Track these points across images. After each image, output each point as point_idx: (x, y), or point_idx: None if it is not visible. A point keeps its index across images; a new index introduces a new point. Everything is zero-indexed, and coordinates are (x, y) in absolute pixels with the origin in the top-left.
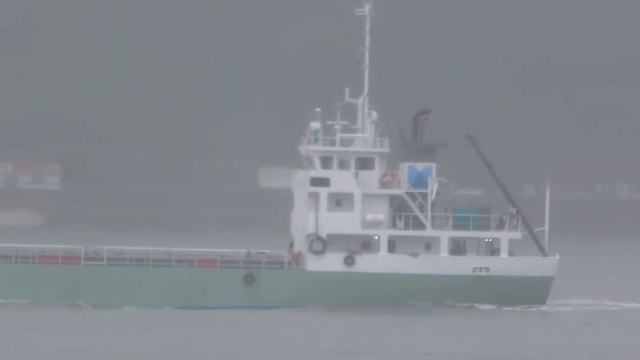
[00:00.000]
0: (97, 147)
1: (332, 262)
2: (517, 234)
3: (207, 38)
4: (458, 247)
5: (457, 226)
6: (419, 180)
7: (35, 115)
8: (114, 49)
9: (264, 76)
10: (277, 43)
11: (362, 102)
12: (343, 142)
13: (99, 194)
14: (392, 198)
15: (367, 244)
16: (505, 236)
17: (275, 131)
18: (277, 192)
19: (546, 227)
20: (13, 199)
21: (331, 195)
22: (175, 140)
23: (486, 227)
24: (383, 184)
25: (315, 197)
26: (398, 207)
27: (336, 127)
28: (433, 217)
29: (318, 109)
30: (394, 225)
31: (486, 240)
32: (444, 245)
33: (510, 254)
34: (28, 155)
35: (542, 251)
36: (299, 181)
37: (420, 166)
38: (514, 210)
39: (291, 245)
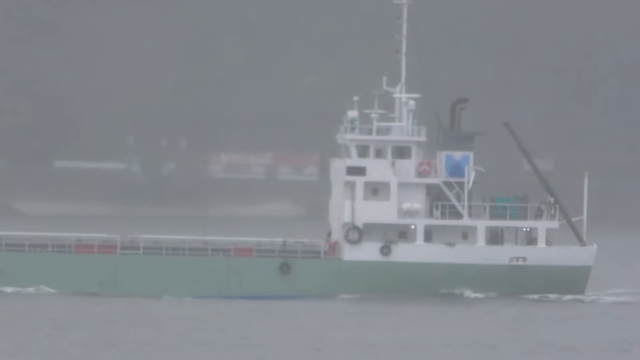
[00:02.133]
0: None
1: (368, 251)
2: (554, 224)
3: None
4: (495, 237)
5: (494, 215)
6: (456, 169)
7: (287, 107)
8: None
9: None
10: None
11: (399, 90)
12: (380, 131)
13: None
14: (428, 187)
15: (403, 234)
16: (542, 225)
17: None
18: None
19: (584, 216)
20: (273, 190)
21: (367, 185)
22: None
23: (524, 217)
24: (420, 173)
25: (351, 186)
26: (435, 196)
27: (373, 115)
28: (470, 207)
29: (355, 98)
30: (430, 214)
31: (524, 229)
32: (481, 235)
33: (548, 243)
34: (288, 145)
35: (580, 241)
36: (336, 170)
37: (458, 155)
38: (552, 199)
39: (329, 234)
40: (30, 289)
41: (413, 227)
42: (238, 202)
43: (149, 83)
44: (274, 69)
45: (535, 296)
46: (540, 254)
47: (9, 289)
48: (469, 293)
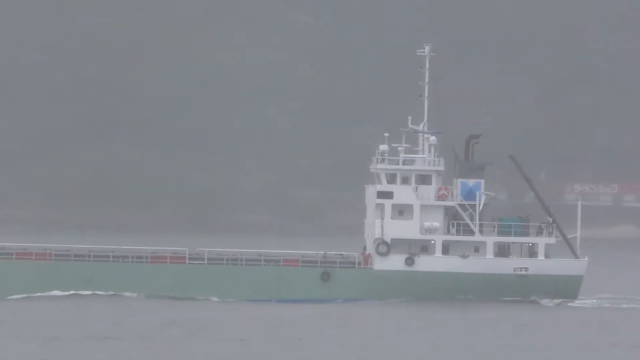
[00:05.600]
0: None
1: (395, 262)
2: (552, 240)
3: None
4: (503, 250)
5: (501, 232)
6: (469, 194)
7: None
8: None
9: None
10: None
11: (422, 128)
12: (406, 162)
13: None
14: (446, 209)
15: (424, 247)
16: (542, 241)
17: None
18: None
19: (578, 233)
20: (619, 215)
21: (395, 206)
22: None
23: (526, 234)
24: (439, 197)
25: (381, 207)
26: (451, 216)
27: (400, 149)
28: (481, 225)
29: (386, 134)
30: (447, 231)
31: (527, 244)
32: (490, 249)
33: (547, 256)
34: (633, 177)
35: (574, 254)
36: (369, 194)
37: (471, 182)
38: (550, 219)
39: (364, 248)
40: (113, 293)
41: (433, 242)
42: (589, 226)
43: (513, 125)
44: (617, 112)
45: (530, 300)
46: (540, 265)
47: (100, 293)
48: (546, 301)
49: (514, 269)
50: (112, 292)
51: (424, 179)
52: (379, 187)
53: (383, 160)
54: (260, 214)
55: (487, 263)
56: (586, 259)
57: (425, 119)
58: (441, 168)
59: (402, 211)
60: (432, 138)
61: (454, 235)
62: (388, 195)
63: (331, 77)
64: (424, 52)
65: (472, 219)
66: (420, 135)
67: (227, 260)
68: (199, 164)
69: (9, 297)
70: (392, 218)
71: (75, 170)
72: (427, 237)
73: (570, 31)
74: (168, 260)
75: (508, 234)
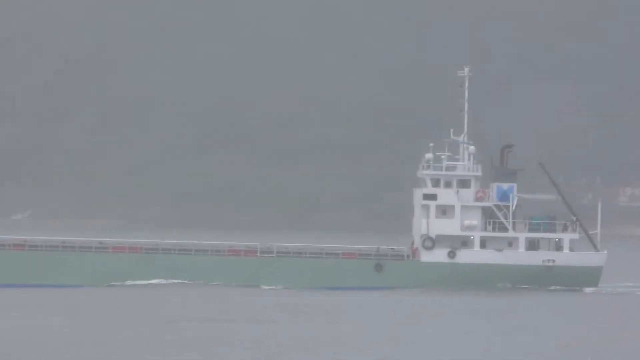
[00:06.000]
0: None
1: (439, 255)
2: (575, 235)
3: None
4: (533, 245)
5: (531, 229)
6: (503, 196)
7: None
8: None
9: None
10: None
11: (462, 138)
12: (448, 168)
13: None
14: (483, 209)
15: (465, 242)
16: (567, 237)
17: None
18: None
19: (598, 230)
20: None
21: (438, 207)
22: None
23: (553, 230)
24: (477, 199)
25: (427, 208)
26: (488, 215)
27: (443, 157)
28: (514, 223)
29: (431, 144)
30: (484, 228)
31: (554, 239)
32: (522, 243)
33: (571, 249)
34: None
35: (595, 248)
36: (416, 197)
37: (505, 186)
38: (574, 218)
39: (412, 242)
40: (200, 282)
41: (472, 237)
42: (637, 225)
43: (572, 139)
44: None
45: (557, 288)
46: (565, 257)
47: (185, 281)
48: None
49: (543, 261)
50: (193, 281)
51: (464, 183)
52: (425, 190)
53: (428, 167)
54: (351, 215)
55: (519, 256)
56: (605, 251)
57: (465, 131)
58: (479, 173)
59: (445, 211)
60: (471, 147)
61: (490, 231)
62: (433, 197)
63: (406, 99)
64: (463, 73)
65: (505, 217)
66: (461, 144)
67: (293, 253)
68: (301, 174)
69: (109, 284)
70: (436, 217)
71: (198, 177)
72: (466, 233)
73: (616, 51)
74: (242, 254)
75: (537, 230)
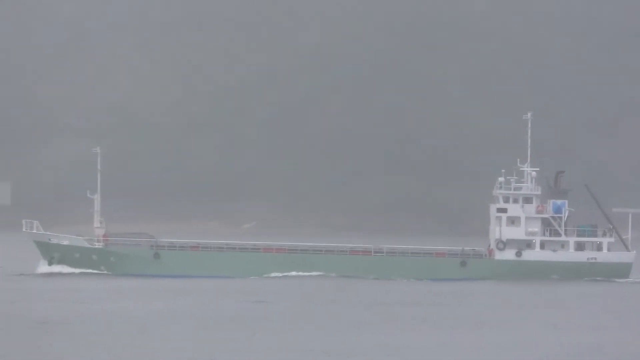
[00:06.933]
0: None
1: (509, 254)
2: (612, 239)
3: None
4: (580, 246)
5: (579, 235)
6: (557, 210)
7: None
8: None
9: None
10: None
11: (527, 166)
12: (515, 188)
13: None
14: (542, 219)
15: (528, 244)
16: (605, 240)
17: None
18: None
19: (629, 235)
20: None
21: (508, 218)
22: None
23: (595, 235)
24: (537, 212)
25: (499, 218)
26: (546, 224)
27: (512, 180)
28: (565, 230)
29: (503, 170)
30: (543, 234)
31: (596, 242)
32: (571, 245)
33: (609, 250)
34: None
35: (627, 248)
36: (492, 210)
37: (559, 202)
38: (611, 226)
39: (489, 245)
40: (317, 274)
41: (534, 241)
42: None
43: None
44: None
45: (598, 279)
46: (604, 256)
47: (305, 273)
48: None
49: (587, 259)
50: (326, 274)
51: (527, 199)
52: (498, 205)
53: (501, 187)
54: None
55: (569, 255)
56: (634, 251)
57: (528, 161)
58: (539, 192)
59: (513, 221)
60: (533, 173)
61: (547, 236)
62: (504, 210)
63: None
64: (527, 116)
65: (559, 225)
66: (525, 171)
67: (399, 253)
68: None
69: (265, 275)
70: (506, 225)
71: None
72: (529, 238)
73: None
74: (361, 253)
75: (583, 235)
